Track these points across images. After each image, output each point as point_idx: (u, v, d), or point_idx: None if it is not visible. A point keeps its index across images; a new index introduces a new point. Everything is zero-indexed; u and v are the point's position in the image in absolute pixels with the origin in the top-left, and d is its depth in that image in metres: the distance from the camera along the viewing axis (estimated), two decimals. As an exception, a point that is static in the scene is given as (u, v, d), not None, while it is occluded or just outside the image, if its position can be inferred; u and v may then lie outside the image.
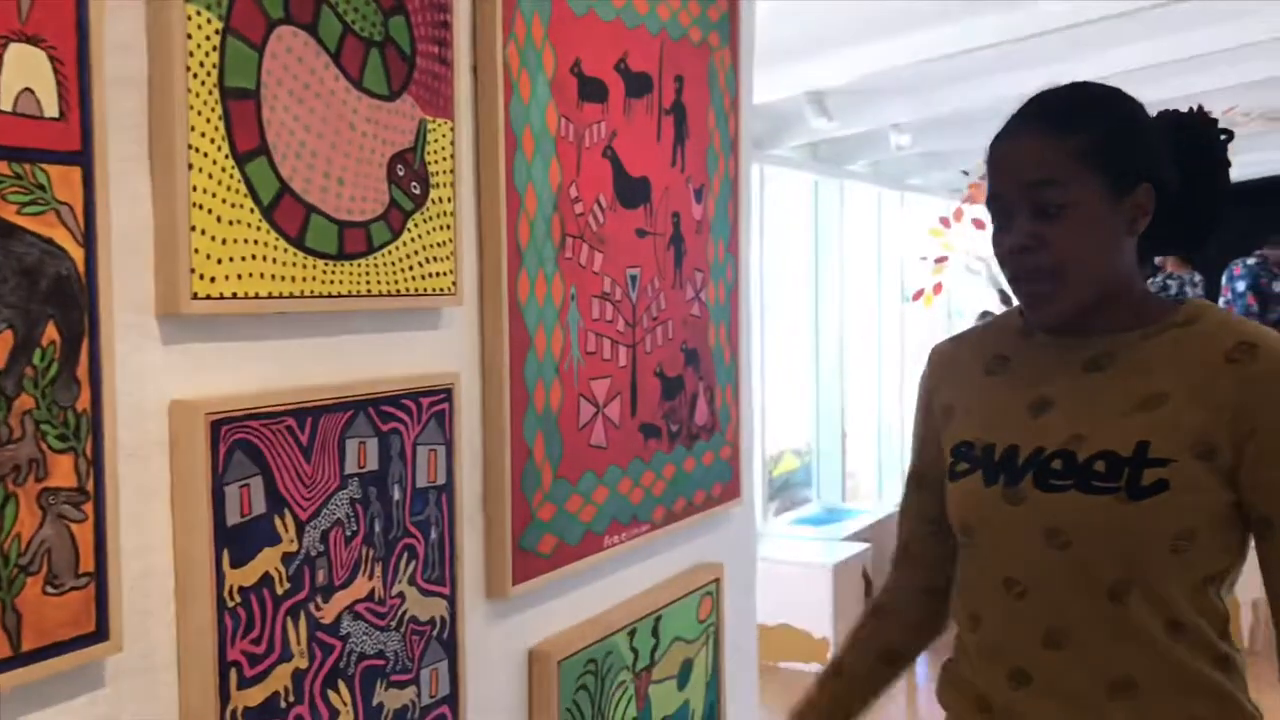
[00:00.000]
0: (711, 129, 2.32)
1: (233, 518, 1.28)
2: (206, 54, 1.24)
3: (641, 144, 2.08)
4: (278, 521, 1.35)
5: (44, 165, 1.07)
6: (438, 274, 1.60)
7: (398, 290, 1.53)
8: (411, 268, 1.55)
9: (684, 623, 2.24)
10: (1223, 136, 1.40)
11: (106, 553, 1.14)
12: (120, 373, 1.16)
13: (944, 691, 1.50)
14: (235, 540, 1.29)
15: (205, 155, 1.24)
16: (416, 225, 1.56)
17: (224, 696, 1.27)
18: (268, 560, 1.34)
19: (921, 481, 1.56)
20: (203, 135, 1.24)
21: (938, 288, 7.86)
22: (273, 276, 1.34)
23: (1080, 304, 1.30)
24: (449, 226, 1.61)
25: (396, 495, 1.52)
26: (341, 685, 1.45)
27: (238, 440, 1.29)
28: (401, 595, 1.54)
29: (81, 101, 1.10)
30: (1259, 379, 1.23)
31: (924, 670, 4.44)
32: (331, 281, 1.42)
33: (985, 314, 8.47)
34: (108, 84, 1.13)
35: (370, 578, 1.49)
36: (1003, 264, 1.34)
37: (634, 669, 2.08)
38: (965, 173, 7.99)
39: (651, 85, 2.09)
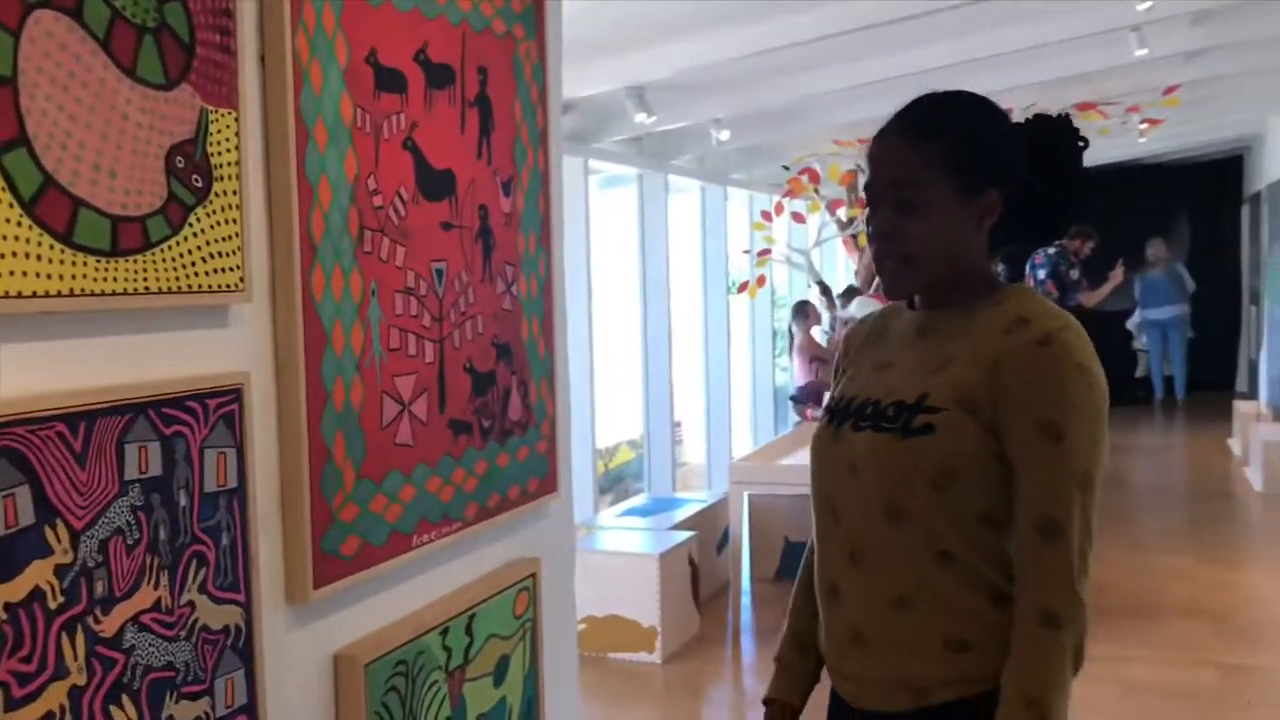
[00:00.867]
0: (519, 121, 2.30)
1: (-6, 530, 1.21)
2: (-48, 37, 1.16)
3: (444, 136, 2.05)
4: (48, 532, 1.28)
5: None
6: (224, 270, 1.54)
7: (180, 287, 1.46)
8: (195, 264, 1.49)
9: (499, 619, 2.23)
10: (1080, 143, 1.57)
11: None
12: None
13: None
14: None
15: (-47, 145, 1.16)
16: (199, 219, 1.50)
17: (-12, 720, 1.20)
18: (38, 573, 1.27)
19: None
20: (-51, 124, 1.16)
21: (761, 280, 8.04)
22: (36, 275, 1.26)
23: (924, 284, 1.53)
24: (235, 221, 1.56)
25: (183, 501, 1.46)
26: (126, 700, 1.38)
27: (1, 448, 1.22)
28: (191, 604, 1.48)
29: None
30: (1018, 347, 1.43)
31: (750, 654, 4.53)
32: (105, 279, 1.35)
33: (802, 304, 8.72)
34: None
35: (156, 587, 1.42)
36: (870, 242, 1.56)
37: (447, 668, 2.05)
38: (786, 168, 8.19)
39: (453, 77, 2.06)
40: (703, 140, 6.53)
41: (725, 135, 6.23)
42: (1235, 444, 9.15)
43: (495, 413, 2.22)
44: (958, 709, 1.47)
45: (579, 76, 4.75)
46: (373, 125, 1.85)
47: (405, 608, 1.97)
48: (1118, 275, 9.55)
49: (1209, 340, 12.02)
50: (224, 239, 1.54)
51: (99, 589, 1.34)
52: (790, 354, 8.54)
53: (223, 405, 1.53)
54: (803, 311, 8.46)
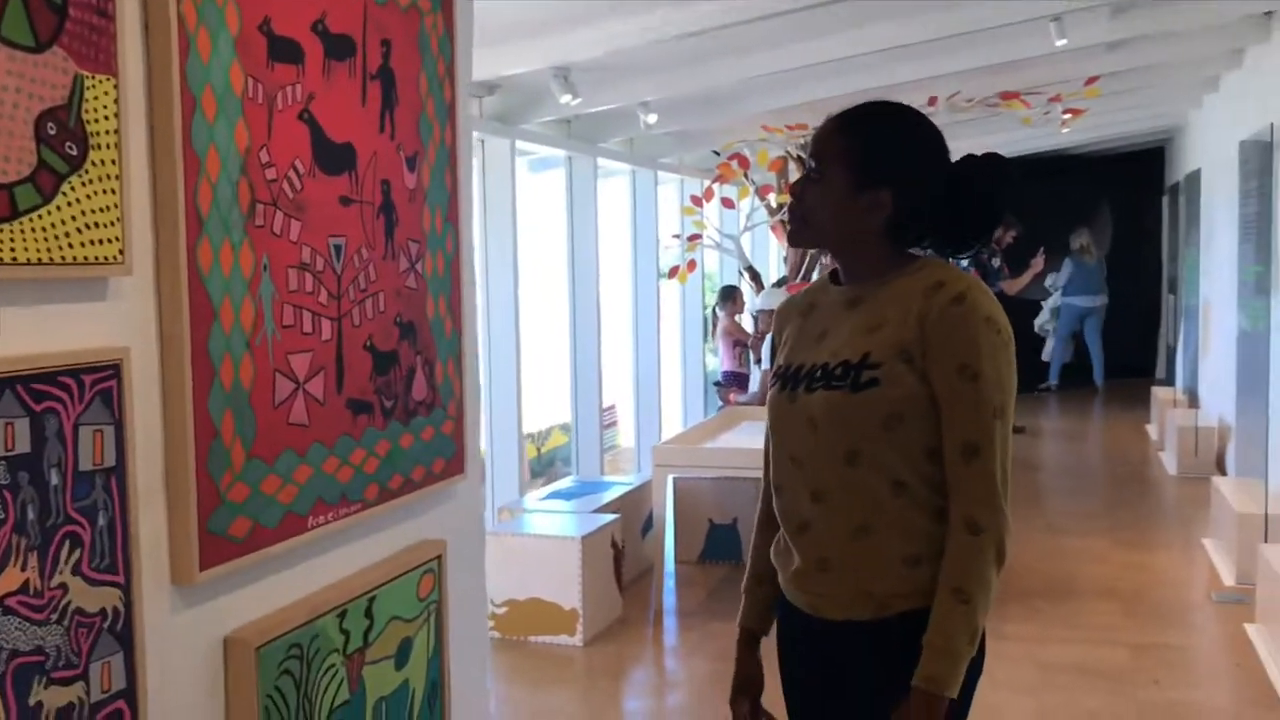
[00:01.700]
0: (424, 95, 2.26)
1: None
2: None
3: (344, 109, 2.00)
4: (-96, 512, 1.23)
5: None
6: (101, 241, 1.48)
7: (52, 259, 1.41)
8: (68, 234, 1.43)
9: (402, 601, 2.19)
10: (1005, 180, 1.81)
11: None
12: None
13: (774, 550, 1.94)
14: None
15: None
16: (74, 189, 1.44)
17: None
18: (-108, 554, 1.22)
19: None
20: None
21: (691, 265, 8.03)
22: (-111, 242, 1.21)
23: (814, 244, 1.93)
24: (114, 191, 1.50)
25: (54, 480, 1.41)
26: (-9, 686, 1.33)
27: None
28: (64, 586, 1.43)
29: None
30: (938, 305, 1.69)
31: (671, 637, 4.52)
32: (-33, 248, 1.30)
33: (729, 289, 8.74)
34: None
35: (23, 569, 1.37)
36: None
37: (345, 651, 2.02)
38: (716, 153, 8.19)
39: (354, 48, 2.02)
40: (632, 123, 6.50)
41: (653, 119, 6.21)
42: (1153, 429, 9.35)
43: (398, 392, 2.18)
44: (911, 618, 1.71)
45: (503, 56, 4.70)
46: (266, 96, 1.80)
47: (301, 590, 1.93)
48: (1038, 264, 9.70)
49: (1130, 328, 12.27)
50: (101, 209, 1.48)
51: (-39, 571, 1.29)
52: (715, 339, 8.56)
53: (99, 381, 1.48)
54: (729, 297, 8.48)
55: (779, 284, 7.88)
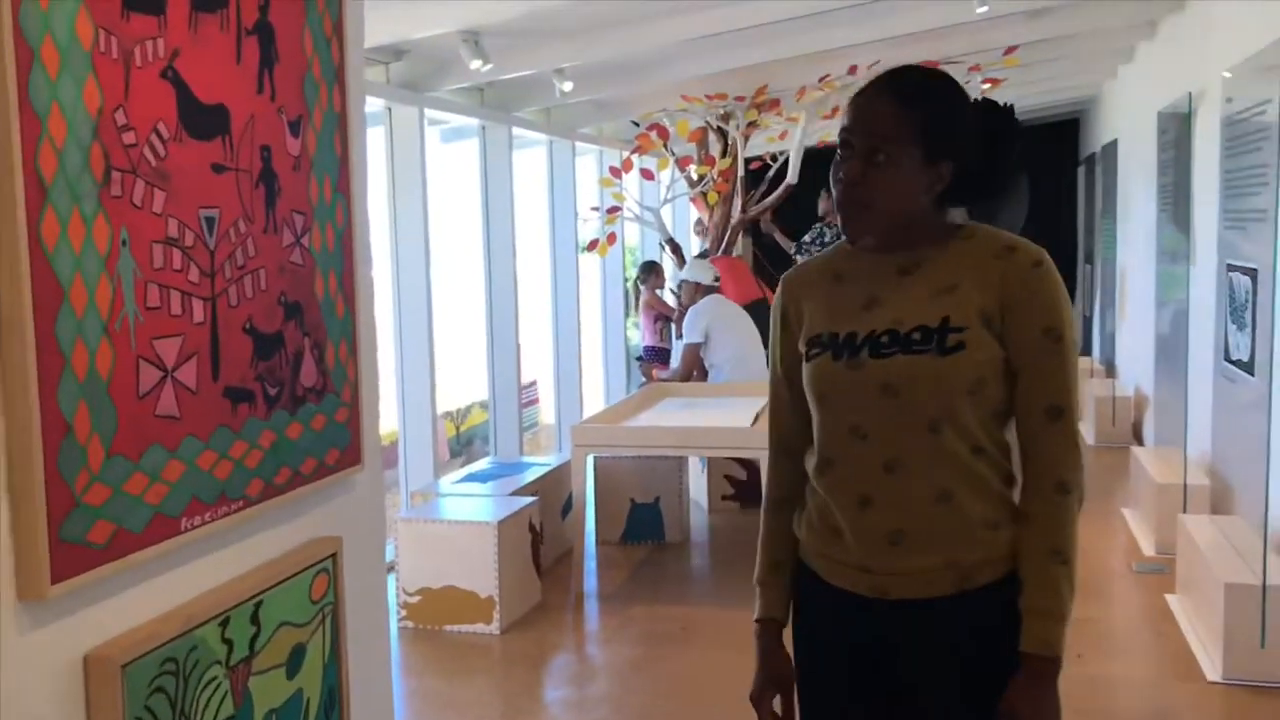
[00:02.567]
0: (309, 55, 2.07)
1: None
2: None
3: (215, 66, 1.81)
4: None
5: None
6: (-83, 213, 1.29)
7: None
8: (-126, 205, 1.24)
9: (292, 605, 2.02)
10: (1016, 127, 1.79)
11: None
12: None
13: (800, 529, 1.85)
14: None
15: None
16: (-120, 152, 1.25)
17: None
18: None
19: (790, 384, 1.88)
20: None
21: (611, 238, 7.89)
22: None
23: (876, 231, 1.73)
24: (-68, 155, 1.31)
25: None
26: None
27: None
28: (-121, 611, 1.25)
29: None
30: (1018, 268, 1.69)
31: (591, 622, 4.41)
32: None
33: (650, 264, 8.62)
34: None
35: None
36: (835, 184, 1.71)
37: (228, 662, 1.85)
38: (636, 123, 8.03)
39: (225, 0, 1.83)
40: (548, 92, 6.31)
41: (568, 87, 6.02)
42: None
43: (284, 378, 2.00)
44: (995, 590, 1.69)
45: (410, 18, 4.49)
46: (121, 51, 1.60)
47: (175, 598, 1.76)
48: None
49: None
50: (-84, 176, 1.29)
51: None
52: (637, 313, 8.44)
53: (-83, 374, 1.29)
54: (650, 271, 8.35)
55: (702, 256, 7.78)
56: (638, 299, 8.41)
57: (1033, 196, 12.90)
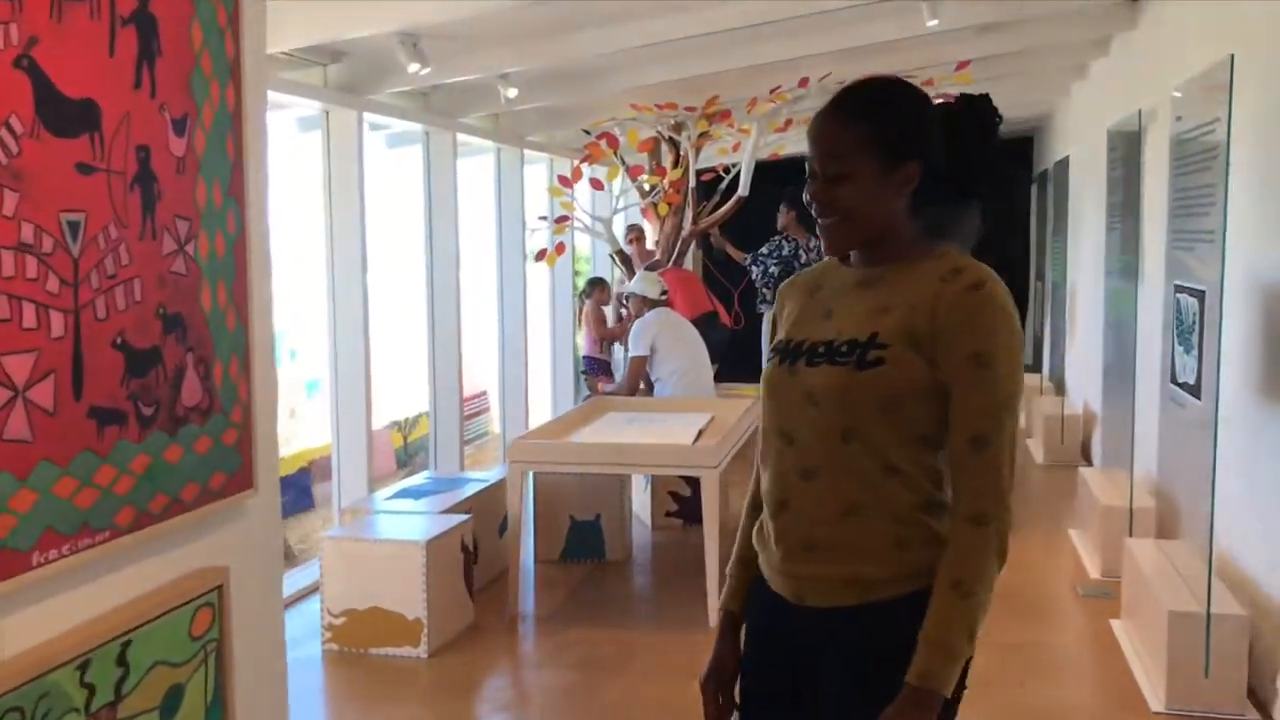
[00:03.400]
0: (198, 48, 1.92)
1: None
2: None
3: (83, 57, 1.66)
4: None
5: None
6: None
7: None
8: None
9: (168, 643, 1.87)
10: (996, 119, 1.81)
11: None
12: None
13: (755, 534, 1.88)
14: None
15: None
16: None
17: None
18: None
19: None
20: None
21: (560, 248, 7.75)
22: None
23: (855, 242, 1.75)
24: None
25: None
26: None
27: None
28: None
29: None
30: (954, 291, 1.66)
31: (523, 646, 4.24)
32: None
33: (596, 280, 8.50)
34: None
35: None
36: (809, 205, 1.75)
37: (88, 709, 1.69)
38: (587, 132, 7.90)
39: (95, -16, 1.68)
40: (493, 98, 6.17)
41: (513, 93, 5.88)
42: (1020, 417, 9.41)
43: (161, 397, 1.85)
44: (899, 604, 1.66)
45: (345, 17, 4.33)
46: (-35, 35, 1.45)
47: (25, 640, 1.60)
48: None
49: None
50: None
51: None
52: (580, 326, 8.33)
53: None
54: (597, 286, 8.23)
55: (651, 268, 7.65)
56: (581, 310, 8.30)
57: (986, 214, 12.93)
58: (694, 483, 5.69)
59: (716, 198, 8.05)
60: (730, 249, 8.75)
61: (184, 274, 1.89)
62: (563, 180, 7.59)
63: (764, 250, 8.39)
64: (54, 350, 1.61)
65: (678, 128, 7.71)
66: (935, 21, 5.26)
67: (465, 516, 4.62)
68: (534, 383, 8.57)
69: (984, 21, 6.08)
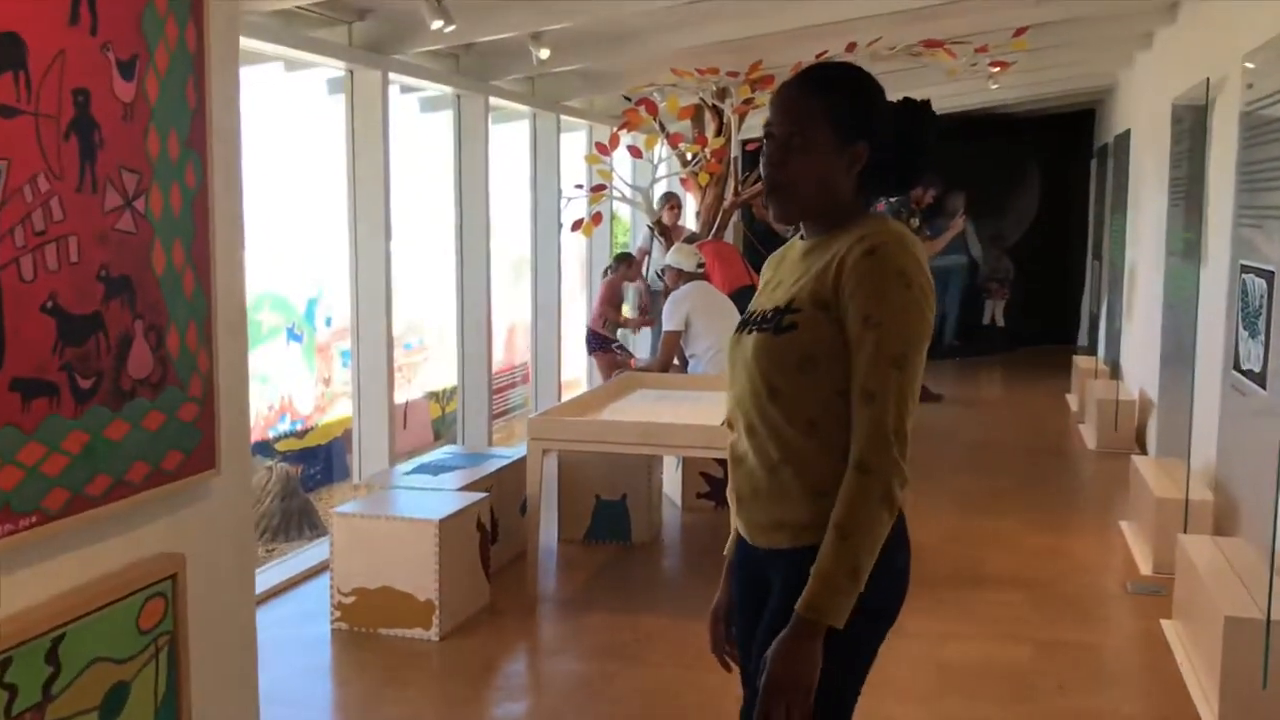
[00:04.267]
0: (150, -19, 1.74)
1: None
2: None
3: (4, -15, 1.48)
4: None
5: None
6: None
7: None
8: None
9: (110, 638, 1.70)
10: (937, 125, 1.90)
11: None
12: None
13: None
14: None
15: None
16: None
17: None
18: None
19: None
20: None
21: (597, 218, 7.53)
22: None
23: (800, 211, 1.86)
24: None
25: None
26: None
27: None
28: None
29: None
30: (851, 258, 1.75)
31: (538, 631, 4.07)
32: None
33: (625, 255, 8.27)
34: None
35: None
36: (763, 170, 1.85)
37: (9, 711, 1.52)
38: (628, 98, 7.67)
39: (18, -98, 1.49)
40: (527, 60, 5.95)
41: (545, 54, 5.66)
42: (1073, 399, 9.08)
43: (103, 368, 1.67)
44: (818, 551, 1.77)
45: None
46: None
47: (-69, 637, 1.44)
48: (958, 224, 9.39)
49: (1051, 294, 12.04)
50: None
51: None
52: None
53: None
54: (624, 261, 8.01)
55: (689, 240, 7.43)
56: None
57: (1044, 189, 12.54)
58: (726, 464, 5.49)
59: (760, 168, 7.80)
60: (772, 220, 8.52)
61: (131, 232, 1.71)
62: (600, 148, 7.37)
63: (806, 222, 8.18)
64: (-35, 314, 1.44)
65: (721, 94, 7.46)
66: (990, -18, 4.96)
67: (483, 495, 4.45)
68: (570, 356, 8.38)
69: (1043, -15, 5.77)
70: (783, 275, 1.92)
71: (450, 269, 6.52)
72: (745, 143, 7.75)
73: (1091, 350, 9.99)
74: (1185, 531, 4.54)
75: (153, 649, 1.79)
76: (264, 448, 8.86)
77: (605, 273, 8.09)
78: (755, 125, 8.05)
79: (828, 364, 1.75)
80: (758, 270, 7.17)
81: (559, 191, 7.73)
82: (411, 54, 5.43)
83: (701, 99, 7.65)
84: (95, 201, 1.63)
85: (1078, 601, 4.59)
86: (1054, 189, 12.50)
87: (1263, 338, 3.83)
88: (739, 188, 7.84)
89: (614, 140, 7.23)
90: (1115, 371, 8.60)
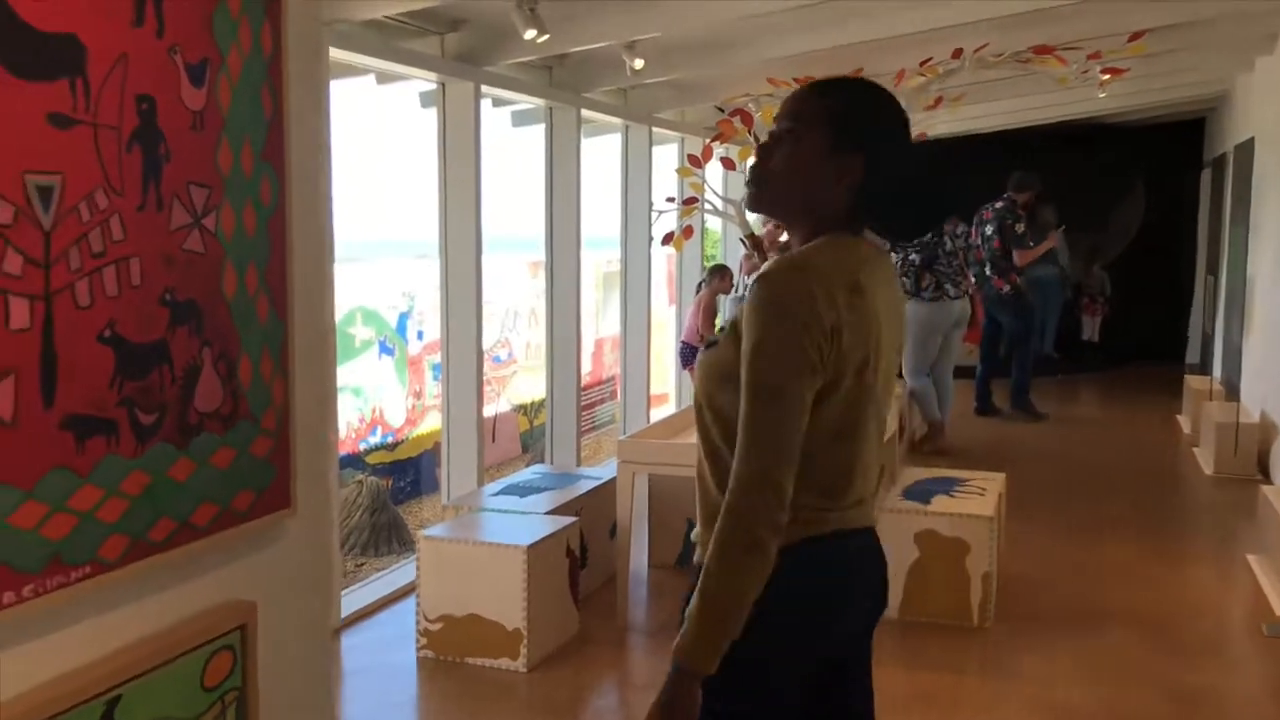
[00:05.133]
0: (222, -20, 1.60)
1: None
2: None
3: (61, -17, 1.35)
4: None
5: None
6: None
7: None
8: None
9: (173, 696, 1.56)
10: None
11: None
12: None
13: None
14: None
15: None
16: None
17: None
18: None
19: None
20: None
21: (688, 231, 7.34)
22: None
23: (771, 208, 1.78)
24: None
25: None
26: None
27: None
28: None
29: None
30: (753, 287, 1.66)
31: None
32: None
33: (720, 268, 8.08)
34: None
35: None
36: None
37: (59, 783, 1.38)
38: (720, 109, 7.49)
39: (77, -109, 1.36)
40: (620, 71, 5.81)
41: (639, 63, 5.51)
42: (1185, 421, 8.64)
43: (167, 401, 1.53)
44: None
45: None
46: (-109, -54, 1.14)
47: (-25, 702, 1.30)
48: (1053, 239, 9.06)
49: (1157, 310, 11.54)
50: None
51: None
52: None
53: None
54: (717, 274, 7.82)
55: (783, 249, 7.21)
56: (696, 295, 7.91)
57: (1148, 200, 12.04)
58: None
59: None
60: (869, 234, 8.25)
61: (200, 252, 1.57)
62: (692, 160, 7.19)
63: (910, 238, 7.90)
64: (13, 345, 1.30)
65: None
66: (1110, -17, 4.68)
67: (572, 519, 4.28)
68: (660, 371, 8.21)
69: (1163, -16, 5.45)
70: None
71: (540, 283, 6.41)
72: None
73: (1205, 370, 9.53)
74: (1328, 571, 4.19)
75: (219, 707, 1.64)
76: (355, 461, 8.87)
77: (699, 286, 7.92)
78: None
79: (737, 384, 1.66)
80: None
81: (650, 205, 7.58)
82: (504, 65, 5.32)
83: (798, 109, 7.44)
84: (160, 219, 1.49)
85: (1207, 643, 4.26)
86: (1159, 201, 11.99)
87: None
88: (835, 200, 7.60)
89: (707, 152, 7.04)
90: (1232, 392, 8.15)
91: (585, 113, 6.39)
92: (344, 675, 4.08)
